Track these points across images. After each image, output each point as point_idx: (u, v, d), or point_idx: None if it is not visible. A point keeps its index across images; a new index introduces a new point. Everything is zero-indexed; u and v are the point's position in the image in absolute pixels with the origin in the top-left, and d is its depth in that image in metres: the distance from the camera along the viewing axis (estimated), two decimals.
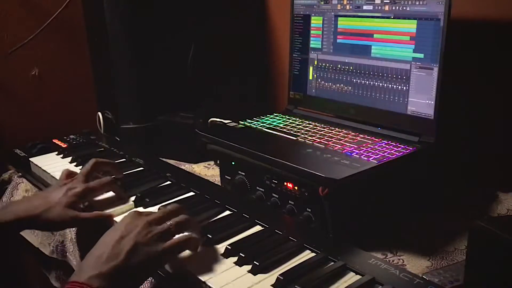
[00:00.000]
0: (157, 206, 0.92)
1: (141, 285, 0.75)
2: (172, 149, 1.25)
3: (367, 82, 1.04)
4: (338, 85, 1.10)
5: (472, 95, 1.05)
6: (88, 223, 0.88)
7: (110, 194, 0.97)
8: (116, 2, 1.25)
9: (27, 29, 1.41)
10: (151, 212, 0.78)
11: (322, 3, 1.11)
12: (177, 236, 0.74)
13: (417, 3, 0.93)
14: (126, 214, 0.76)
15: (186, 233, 0.75)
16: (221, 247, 0.78)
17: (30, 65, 1.48)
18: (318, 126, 1.06)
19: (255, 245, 0.78)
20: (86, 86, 1.57)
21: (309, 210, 0.86)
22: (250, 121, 1.10)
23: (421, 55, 0.94)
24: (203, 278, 0.71)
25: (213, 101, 1.36)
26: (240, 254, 0.74)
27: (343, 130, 1.02)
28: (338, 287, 0.69)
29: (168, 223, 0.74)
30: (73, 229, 1.00)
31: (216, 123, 1.18)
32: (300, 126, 1.06)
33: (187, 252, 0.76)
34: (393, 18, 0.98)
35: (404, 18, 0.96)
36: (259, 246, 0.78)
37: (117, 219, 0.89)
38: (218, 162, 1.17)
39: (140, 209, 0.93)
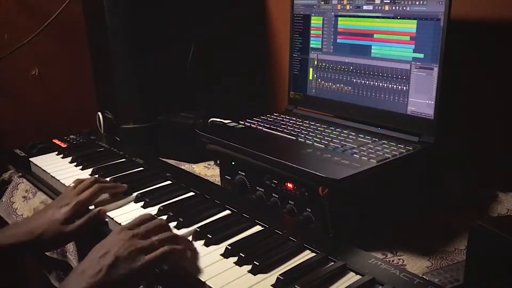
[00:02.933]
0: (157, 206, 0.92)
1: None
2: (172, 149, 1.25)
3: (367, 82, 1.04)
4: (338, 85, 1.10)
5: (472, 95, 1.05)
6: (84, 229, 0.88)
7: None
8: (116, 2, 1.25)
9: (27, 29, 1.41)
10: (137, 221, 0.78)
11: (322, 3, 1.11)
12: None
13: (417, 3, 0.93)
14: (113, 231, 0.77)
15: (167, 246, 0.74)
16: (221, 247, 0.78)
17: (30, 65, 1.48)
18: (318, 126, 1.06)
19: (255, 245, 0.78)
20: (86, 86, 1.57)
21: (309, 210, 0.86)
22: (250, 121, 1.10)
23: (421, 55, 0.94)
24: (203, 278, 0.71)
25: (213, 101, 1.36)
26: (240, 254, 0.74)
27: (343, 130, 1.02)
28: (338, 287, 0.69)
29: (153, 238, 0.74)
30: None
31: (216, 123, 1.18)
32: (300, 126, 1.06)
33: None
34: (393, 18, 0.98)
35: (404, 18, 0.96)
36: (259, 246, 0.78)
37: (110, 213, 0.90)
38: (218, 162, 1.17)
39: (141, 210, 0.93)
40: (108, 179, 1.04)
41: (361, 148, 0.91)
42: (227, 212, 0.91)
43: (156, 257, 0.72)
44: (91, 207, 0.93)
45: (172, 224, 0.85)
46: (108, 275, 0.68)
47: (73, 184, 0.97)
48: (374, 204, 0.85)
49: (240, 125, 1.09)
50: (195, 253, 0.78)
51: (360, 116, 1.05)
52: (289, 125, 1.07)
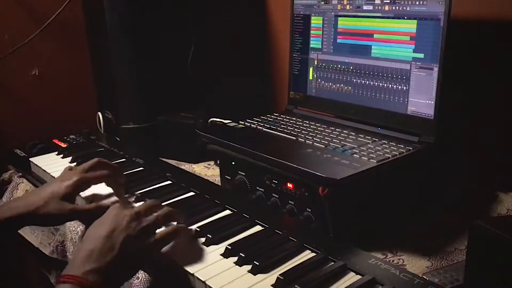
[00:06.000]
0: None
1: (133, 277, 0.74)
2: (172, 149, 1.25)
3: (367, 82, 1.04)
4: (338, 85, 1.10)
5: (472, 95, 1.05)
6: (86, 215, 0.86)
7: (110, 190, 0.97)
8: (116, 2, 1.25)
9: (27, 29, 1.41)
10: (133, 205, 0.78)
11: (322, 3, 1.11)
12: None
13: (417, 3, 0.93)
14: (110, 207, 0.76)
15: (175, 224, 0.76)
16: (221, 247, 0.78)
17: (30, 65, 1.48)
18: (318, 126, 1.06)
19: (255, 245, 0.78)
20: (86, 86, 1.57)
21: (309, 210, 0.86)
22: (250, 121, 1.10)
23: (421, 55, 0.94)
24: (203, 278, 0.71)
25: (213, 101, 1.36)
26: (240, 254, 0.74)
27: (343, 130, 1.02)
28: (338, 287, 0.69)
29: (156, 214, 0.74)
30: (73, 229, 1.00)
31: (216, 123, 1.18)
32: (300, 126, 1.06)
33: (187, 253, 0.76)
34: (393, 18, 0.98)
35: (404, 18, 0.96)
36: (259, 246, 0.78)
37: None
38: (218, 162, 1.17)
39: None
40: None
41: (361, 148, 0.91)
42: (227, 212, 0.91)
43: (166, 235, 0.72)
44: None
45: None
46: (119, 254, 0.66)
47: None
48: (374, 204, 0.85)
49: (240, 125, 1.09)
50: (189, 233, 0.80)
51: (360, 116, 1.05)
52: (289, 125, 1.07)
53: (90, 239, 0.69)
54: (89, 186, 0.92)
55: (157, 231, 0.75)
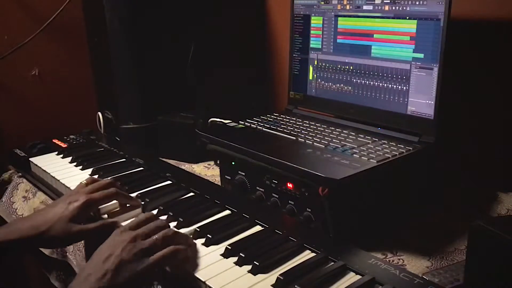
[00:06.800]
0: (157, 206, 0.92)
1: None
2: (172, 149, 1.25)
3: (367, 82, 1.04)
4: (338, 85, 1.10)
5: (472, 95, 1.05)
6: (94, 234, 0.86)
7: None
8: (116, 2, 1.25)
9: (27, 29, 1.41)
10: (138, 221, 0.77)
11: (322, 3, 1.11)
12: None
13: (417, 3, 0.93)
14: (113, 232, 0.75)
15: (172, 246, 0.74)
16: (221, 247, 0.78)
17: (30, 65, 1.48)
18: (318, 126, 1.06)
19: (255, 245, 0.78)
20: (86, 86, 1.57)
21: (309, 210, 0.86)
22: (250, 121, 1.10)
23: (421, 55, 0.94)
24: (203, 278, 0.71)
25: (213, 101, 1.36)
26: (240, 254, 0.74)
27: (343, 130, 1.02)
28: (338, 287, 0.69)
29: (154, 237, 0.73)
30: None
31: (216, 123, 1.19)
32: (300, 126, 1.06)
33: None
34: (393, 18, 0.98)
35: (404, 18, 0.96)
36: (259, 246, 0.78)
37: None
38: (218, 162, 1.17)
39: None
40: (108, 178, 1.03)
41: (361, 148, 0.91)
42: (227, 212, 0.91)
43: (161, 258, 0.71)
44: (105, 216, 0.91)
45: (172, 224, 0.85)
46: (114, 279, 0.67)
47: (85, 181, 0.94)
48: (374, 204, 0.85)
49: (240, 125, 1.08)
50: (196, 250, 0.78)
51: (360, 116, 1.05)
52: (289, 125, 1.07)
53: (89, 264, 0.70)
54: (97, 207, 0.90)
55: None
